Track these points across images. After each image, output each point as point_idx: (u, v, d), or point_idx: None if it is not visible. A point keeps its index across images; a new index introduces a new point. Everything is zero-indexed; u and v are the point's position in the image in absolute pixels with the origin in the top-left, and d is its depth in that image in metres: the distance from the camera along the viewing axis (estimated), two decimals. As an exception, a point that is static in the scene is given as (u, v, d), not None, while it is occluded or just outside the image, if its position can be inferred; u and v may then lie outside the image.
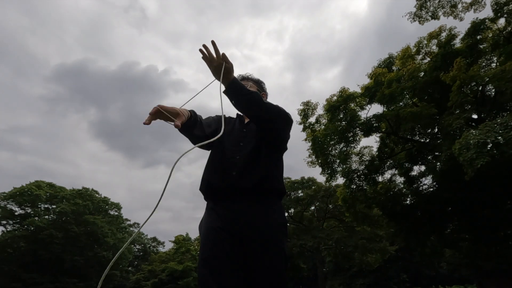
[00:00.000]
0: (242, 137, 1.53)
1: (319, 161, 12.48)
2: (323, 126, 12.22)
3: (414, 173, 12.81)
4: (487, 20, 9.54)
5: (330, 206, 22.99)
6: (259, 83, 1.75)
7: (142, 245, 44.81)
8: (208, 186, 1.43)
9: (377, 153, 12.64)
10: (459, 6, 10.09)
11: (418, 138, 11.98)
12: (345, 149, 12.09)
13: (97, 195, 31.76)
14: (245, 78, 1.74)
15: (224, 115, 1.64)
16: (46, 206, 29.21)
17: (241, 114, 1.69)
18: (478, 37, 9.83)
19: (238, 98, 1.35)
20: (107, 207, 32.81)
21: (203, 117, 1.55)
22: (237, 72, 1.71)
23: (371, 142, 66.77)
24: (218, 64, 1.32)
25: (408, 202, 12.91)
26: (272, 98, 1.75)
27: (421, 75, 10.61)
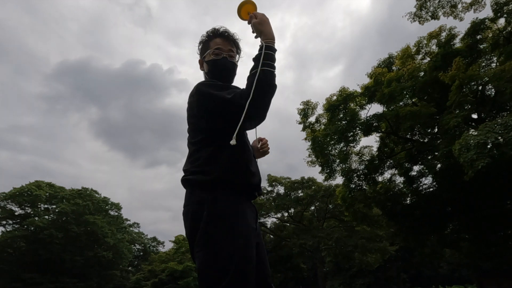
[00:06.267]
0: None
1: (319, 160, 12.49)
2: (323, 126, 12.23)
3: (414, 173, 12.81)
4: (487, 20, 9.56)
5: (330, 206, 23.02)
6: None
7: (142, 245, 44.78)
8: (257, 182, 1.31)
9: (377, 153, 12.64)
10: (459, 6, 10.08)
11: (418, 138, 11.98)
12: (345, 148, 12.09)
13: (97, 195, 31.73)
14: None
15: None
16: (46, 206, 29.20)
17: None
18: (478, 37, 9.85)
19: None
20: (107, 207, 32.80)
21: None
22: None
23: (371, 142, 66.79)
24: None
25: (408, 202, 12.91)
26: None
27: (421, 75, 10.63)
